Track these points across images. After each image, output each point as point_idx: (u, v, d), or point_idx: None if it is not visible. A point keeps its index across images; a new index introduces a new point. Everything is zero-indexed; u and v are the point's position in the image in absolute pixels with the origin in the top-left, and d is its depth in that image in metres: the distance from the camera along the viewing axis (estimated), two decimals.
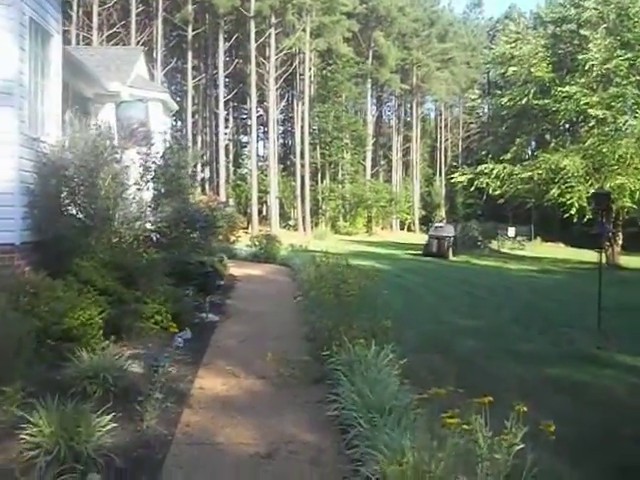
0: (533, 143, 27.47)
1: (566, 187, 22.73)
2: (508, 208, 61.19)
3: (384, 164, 66.76)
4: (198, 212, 14.78)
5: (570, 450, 4.45)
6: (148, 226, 9.57)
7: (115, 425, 4.47)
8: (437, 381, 7.14)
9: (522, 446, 3.24)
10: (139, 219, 8.84)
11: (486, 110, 79.45)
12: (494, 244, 39.94)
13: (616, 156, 21.89)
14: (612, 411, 6.10)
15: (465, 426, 3.29)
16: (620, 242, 26.02)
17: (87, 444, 4.09)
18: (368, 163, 56.56)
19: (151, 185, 11.70)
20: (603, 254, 26.06)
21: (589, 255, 39.78)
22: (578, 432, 5.03)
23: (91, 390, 5.26)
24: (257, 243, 18.37)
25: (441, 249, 26.80)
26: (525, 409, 3.30)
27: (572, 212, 22.74)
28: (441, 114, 71.43)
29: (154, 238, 9.36)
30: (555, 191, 22.93)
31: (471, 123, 75.96)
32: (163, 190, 11.98)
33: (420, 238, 51.57)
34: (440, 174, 68.59)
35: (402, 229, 61.94)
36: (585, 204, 22.69)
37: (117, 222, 9.53)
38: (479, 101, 28.84)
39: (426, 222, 64.10)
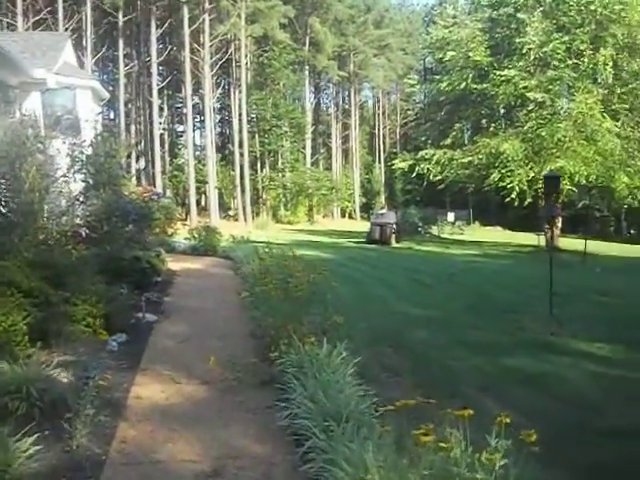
0: (471, 128, 27.45)
1: (506, 171, 22.77)
2: (446, 193, 61.85)
3: (324, 152, 66.41)
4: (131, 204, 14.08)
5: (547, 451, 4.12)
6: (77, 221, 8.84)
7: (40, 447, 3.96)
8: (392, 378, 6.81)
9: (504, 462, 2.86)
10: (66, 213, 8.11)
11: (423, 97, 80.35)
12: (434, 229, 40.19)
13: (555, 139, 22.03)
14: (578, 403, 5.84)
15: (441, 443, 2.88)
16: (559, 225, 26.32)
17: (5, 474, 3.56)
18: (308, 151, 56.06)
19: (80, 177, 10.97)
20: (542, 237, 26.63)
21: (527, 238, 40.50)
22: (547, 429, 4.71)
23: (13, 407, 4.69)
24: (196, 235, 17.68)
25: (384, 236, 26.65)
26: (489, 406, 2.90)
27: (512, 196, 22.81)
28: (379, 101, 71.47)
29: (83, 233, 8.65)
30: (495, 175, 22.95)
31: (408, 110, 76.38)
32: (92, 181, 11.26)
33: (361, 225, 51.51)
34: (379, 161, 68.74)
35: (343, 217, 61.81)
36: (525, 188, 22.81)
37: (43, 217, 8.81)
38: (417, 87, 28.67)
39: (367, 209, 64.19)
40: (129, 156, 45.68)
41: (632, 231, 55.56)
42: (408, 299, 11.46)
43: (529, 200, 23.84)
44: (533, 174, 22.53)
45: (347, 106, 68.70)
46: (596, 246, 28.85)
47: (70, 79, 17.85)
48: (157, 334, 8.01)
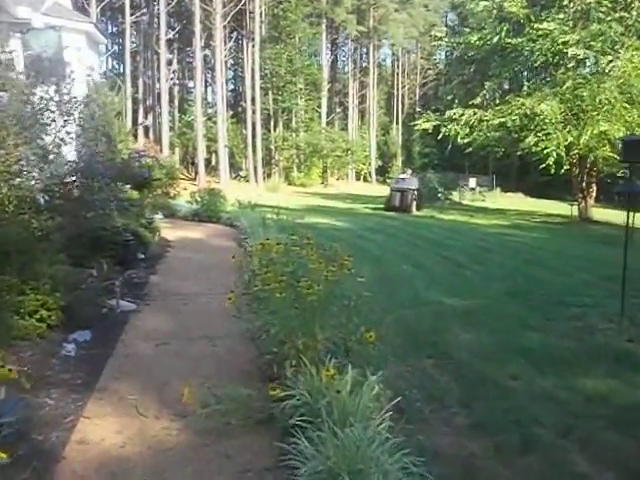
0: (503, 87, 25.20)
1: (543, 134, 20.68)
2: (466, 158, 59.77)
3: (340, 112, 64.01)
4: (104, 164, 12.33)
5: None
6: (35, 183, 7.04)
7: None
8: (439, 412, 5.08)
9: None
10: (19, 175, 6.31)
11: (444, 56, 77.23)
12: (455, 196, 38.21)
13: (597, 100, 19.87)
14: None
15: None
16: (594, 194, 24.31)
17: None
18: (323, 110, 53.70)
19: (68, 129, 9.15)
20: (575, 207, 24.63)
21: (552, 206, 38.55)
22: None
23: None
24: (198, 199, 15.87)
25: (404, 203, 24.68)
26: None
27: (549, 162, 20.74)
28: (398, 60, 68.56)
29: (41, 200, 6.87)
30: (531, 139, 20.82)
31: (429, 69, 73.54)
32: (75, 134, 9.43)
33: (377, 189, 49.56)
34: (397, 122, 66.19)
35: (358, 180, 59.67)
36: (563, 153, 20.72)
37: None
38: (445, 40, 26.27)
39: (382, 172, 62.04)
40: (135, 112, 43.80)
41: None
42: (440, 283, 9.64)
43: (566, 167, 21.77)
44: (572, 138, 20.42)
45: (365, 64, 66.03)
46: (620, 216, 26.86)
47: (60, 21, 15.89)
48: (131, 331, 6.31)
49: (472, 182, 42.26)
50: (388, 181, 60.86)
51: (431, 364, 5.81)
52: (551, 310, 8.13)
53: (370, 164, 59.21)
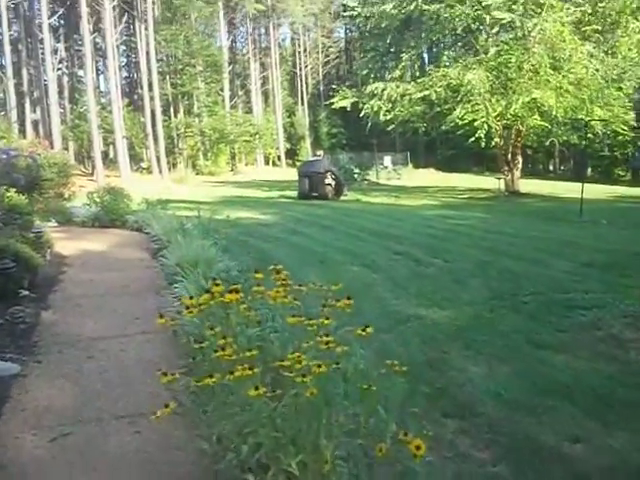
0: (421, 59, 23.84)
1: (471, 106, 19.42)
2: (374, 136, 58.95)
3: (242, 95, 61.54)
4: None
5: None
6: None
7: None
8: None
9: None
10: None
11: (342, 34, 75.75)
12: (371, 175, 37.05)
13: (525, 67, 18.77)
14: None
15: None
16: (520, 166, 23.41)
17: None
18: (226, 94, 51.04)
19: None
20: (502, 180, 23.69)
21: (469, 179, 38.02)
22: None
23: None
24: (97, 200, 13.53)
25: (316, 189, 22.49)
26: None
27: (480, 135, 19.52)
28: (299, 38, 66.66)
29: None
30: (459, 111, 19.52)
31: (330, 47, 72.14)
32: None
33: (288, 173, 47.71)
34: (302, 103, 64.50)
35: (267, 164, 57.61)
36: (494, 125, 19.55)
37: None
38: (358, 10, 24.41)
39: (291, 155, 60.35)
40: (22, 106, 40.06)
41: (562, 168, 54.45)
42: (406, 288, 7.95)
43: (496, 140, 20.66)
44: (500, 108, 19.27)
45: (265, 44, 63.81)
46: (544, 187, 26.34)
47: None
48: (12, 413, 4.25)
49: (387, 160, 41.24)
50: (297, 164, 59.36)
51: (456, 430, 4.09)
52: (555, 317, 6.58)
53: (279, 148, 57.20)
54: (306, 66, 66.69)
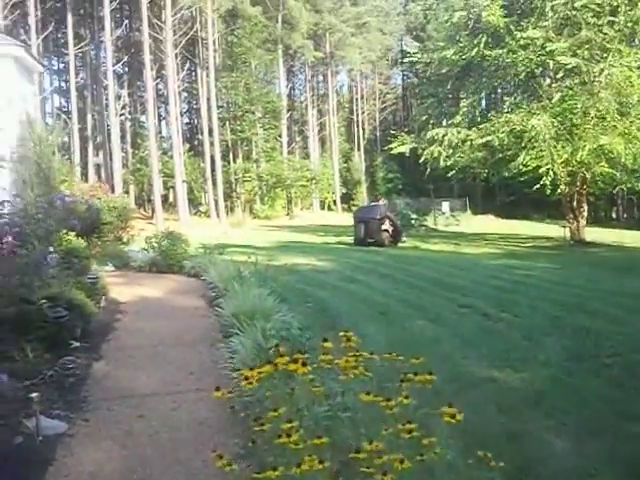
0: (482, 104, 23.46)
1: (536, 152, 18.86)
2: (430, 181, 58.49)
3: (299, 140, 62.15)
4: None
5: None
6: None
7: None
8: None
9: None
10: None
11: (399, 81, 76.20)
12: (428, 221, 36.53)
13: (592, 113, 18.17)
14: None
15: None
16: (585, 214, 22.55)
17: None
18: (284, 139, 51.59)
19: None
20: (567, 229, 22.83)
21: (530, 227, 37.03)
22: None
23: None
24: (155, 245, 13.44)
25: (371, 234, 21.75)
26: None
27: (546, 182, 18.87)
28: (356, 85, 67.26)
29: None
30: (523, 158, 18.96)
31: (387, 93, 72.53)
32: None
33: (343, 218, 47.56)
34: (358, 149, 64.68)
35: (322, 209, 57.64)
36: (559, 172, 18.90)
37: None
38: (418, 56, 24.23)
39: (347, 200, 60.30)
40: (85, 150, 41.23)
41: (625, 216, 52.84)
42: (475, 345, 7.42)
43: (562, 187, 19.97)
44: (566, 155, 18.64)
45: (322, 91, 64.60)
46: (608, 235, 25.28)
47: None
48: (56, 479, 3.95)
49: (445, 206, 40.67)
50: (353, 209, 59.21)
51: None
52: None
53: (335, 192, 57.25)
54: (363, 112, 67.07)
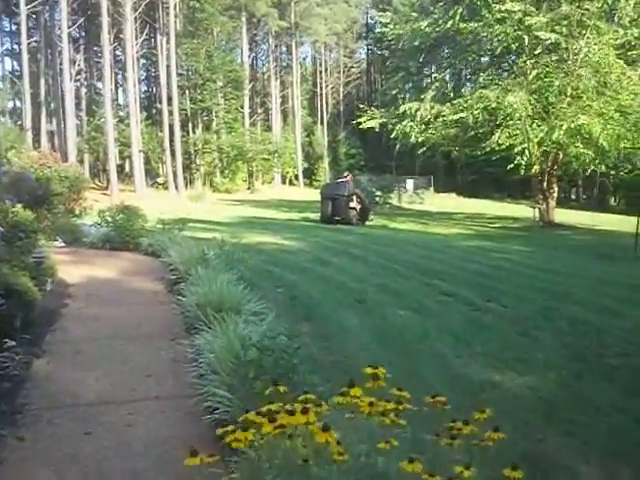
0: (454, 80, 22.64)
1: (512, 130, 18.21)
2: (391, 158, 57.89)
3: (261, 113, 60.73)
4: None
5: None
6: None
7: None
8: None
9: None
10: None
11: (363, 55, 74.92)
12: (393, 199, 35.89)
13: (569, 91, 17.58)
14: None
15: None
16: (555, 195, 22.12)
17: None
18: (246, 111, 50.12)
19: None
20: (536, 210, 22.40)
21: (494, 207, 36.75)
22: None
23: None
24: (109, 219, 12.39)
25: (339, 212, 21.18)
26: None
27: (521, 162, 18.28)
28: (320, 57, 65.98)
29: None
30: (499, 135, 18.29)
31: (351, 67, 71.49)
32: None
33: (306, 193, 46.62)
34: (322, 122, 63.60)
35: (284, 183, 56.61)
36: (535, 151, 18.31)
37: None
38: (390, 27, 23.09)
39: (309, 175, 59.42)
40: (37, 117, 39.34)
41: (584, 196, 53.25)
42: (468, 342, 6.65)
43: (536, 168, 19.42)
44: (542, 134, 18.05)
45: (285, 63, 63.23)
46: (574, 217, 24.99)
47: None
48: None
49: (409, 183, 40.11)
50: (315, 184, 58.25)
51: None
52: None
53: (296, 167, 56.17)
54: (326, 86, 65.91)
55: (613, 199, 48.20)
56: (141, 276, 9.17)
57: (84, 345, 6.02)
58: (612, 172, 29.11)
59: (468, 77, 23.00)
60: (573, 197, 52.31)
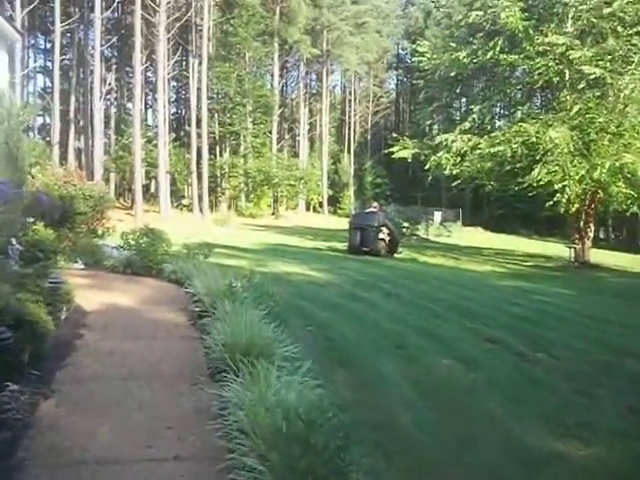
0: (489, 112, 22.00)
1: (553, 166, 17.52)
2: (418, 189, 57.30)
3: (288, 139, 60.60)
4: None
5: None
6: None
7: None
8: None
9: None
10: None
11: (393, 85, 74.81)
12: (420, 231, 35.23)
13: (612, 128, 16.91)
14: None
15: None
16: (591, 235, 21.31)
17: None
18: (274, 136, 49.93)
19: None
20: (572, 250, 21.60)
21: (522, 243, 35.83)
22: None
23: None
24: (132, 242, 11.85)
25: (367, 242, 20.26)
26: None
27: (562, 199, 17.56)
28: (351, 85, 65.93)
29: None
30: (539, 172, 17.59)
31: (381, 97, 71.45)
32: None
33: (330, 221, 46.15)
34: (348, 151, 63.34)
35: (308, 210, 56.21)
36: (576, 189, 17.58)
37: None
38: (427, 56, 22.59)
39: (333, 203, 59.04)
40: (66, 133, 39.41)
41: (613, 236, 52.28)
42: (521, 401, 5.96)
43: (577, 205, 18.68)
44: (583, 172, 17.34)
45: (314, 90, 63.28)
46: (607, 258, 24.07)
47: None
48: None
49: (437, 215, 39.43)
50: (339, 212, 57.77)
51: None
52: None
53: (321, 194, 55.76)
54: (355, 114, 65.77)
55: None
56: (163, 306, 8.58)
57: (98, 385, 5.41)
58: None
59: (502, 111, 22.34)
60: (602, 237, 51.23)
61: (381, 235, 20.43)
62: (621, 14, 17.90)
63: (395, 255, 20.64)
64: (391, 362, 6.82)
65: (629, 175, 17.52)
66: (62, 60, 37.21)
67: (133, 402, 5.05)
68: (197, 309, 7.87)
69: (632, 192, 17.61)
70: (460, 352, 7.49)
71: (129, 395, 5.22)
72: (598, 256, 22.60)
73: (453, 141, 19.70)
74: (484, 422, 5.33)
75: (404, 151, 22.40)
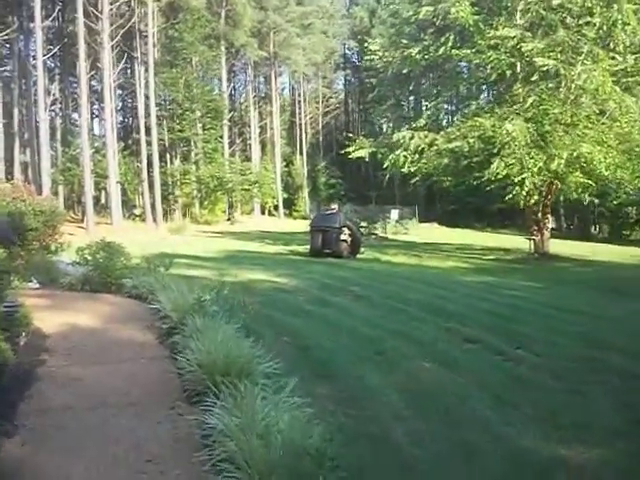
0: (442, 108, 22.01)
1: (510, 160, 17.53)
2: (371, 188, 57.44)
3: (239, 143, 60.00)
4: None
5: None
6: None
7: None
8: None
9: None
10: None
11: (341, 86, 74.81)
12: (378, 229, 35.18)
13: (567, 119, 17.03)
14: None
15: None
16: (549, 226, 21.49)
17: None
18: (225, 141, 49.30)
19: None
20: (531, 242, 21.73)
21: (478, 237, 36.12)
22: None
23: None
24: (89, 257, 11.30)
25: (329, 244, 20.20)
26: None
27: (522, 192, 17.60)
28: (300, 87, 65.72)
29: None
30: (497, 165, 17.58)
31: (330, 97, 71.45)
32: None
33: (287, 224, 45.82)
34: (301, 152, 63.10)
35: (263, 214, 55.76)
36: (536, 181, 17.65)
37: None
38: (379, 53, 22.43)
39: (288, 205, 58.77)
40: (11, 147, 38.17)
41: (565, 225, 53.10)
42: (512, 403, 5.76)
43: (535, 199, 18.77)
44: (540, 164, 17.43)
45: (264, 93, 62.92)
46: (563, 247, 24.36)
47: None
48: None
49: (394, 214, 39.45)
50: (295, 214, 57.46)
51: None
52: None
53: (276, 197, 55.35)
54: (305, 116, 65.55)
55: (594, 228, 48.06)
56: (127, 324, 8.13)
57: (67, 418, 4.99)
58: (596, 201, 28.90)
59: (456, 107, 22.37)
60: (554, 226, 52.03)
61: (343, 236, 20.20)
62: (569, 5, 18.06)
63: (358, 256, 20.45)
64: (373, 370, 6.55)
65: (584, 165, 17.68)
66: (2, 72, 35.96)
67: (107, 434, 4.67)
68: (164, 326, 7.48)
69: (589, 181, 17.78)
70: (441, 354, 7.27)
71: (101, 426, 4.83)
72: (555, 246, 22.81)
73: (411, 138, 19.61)
74: (479, 429, 5.10)
75: (361, 151, 22.21)
